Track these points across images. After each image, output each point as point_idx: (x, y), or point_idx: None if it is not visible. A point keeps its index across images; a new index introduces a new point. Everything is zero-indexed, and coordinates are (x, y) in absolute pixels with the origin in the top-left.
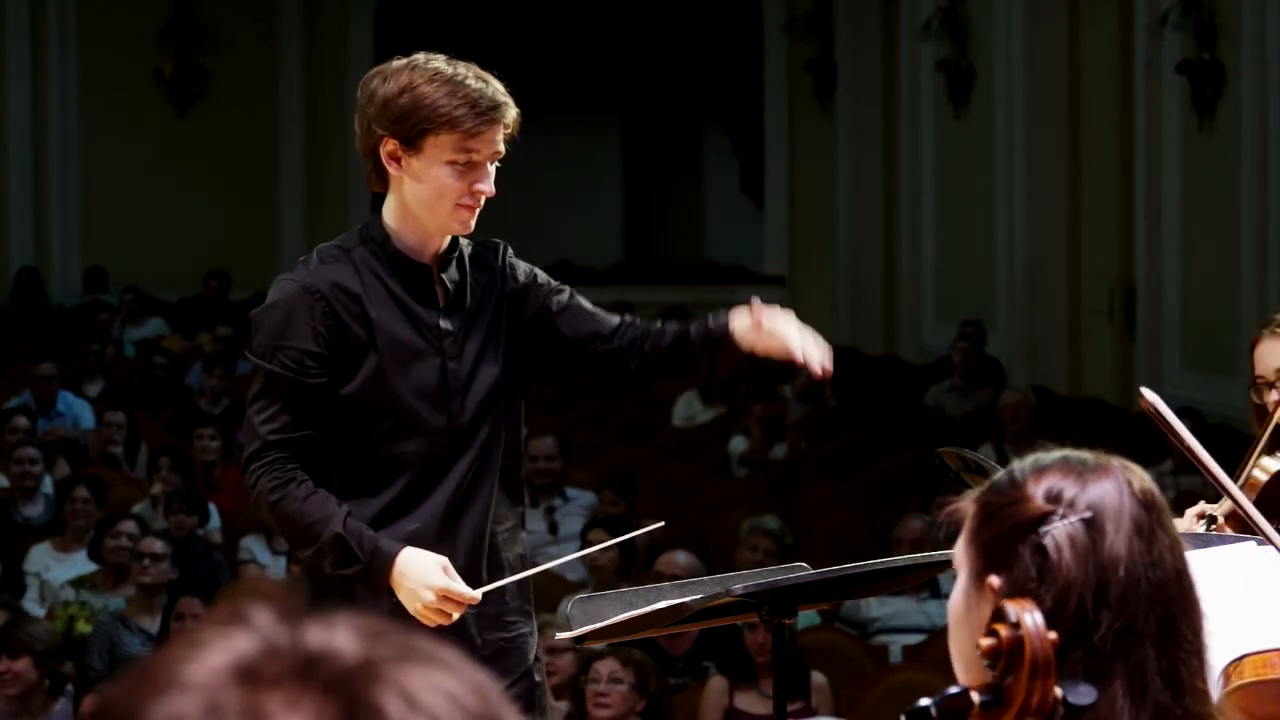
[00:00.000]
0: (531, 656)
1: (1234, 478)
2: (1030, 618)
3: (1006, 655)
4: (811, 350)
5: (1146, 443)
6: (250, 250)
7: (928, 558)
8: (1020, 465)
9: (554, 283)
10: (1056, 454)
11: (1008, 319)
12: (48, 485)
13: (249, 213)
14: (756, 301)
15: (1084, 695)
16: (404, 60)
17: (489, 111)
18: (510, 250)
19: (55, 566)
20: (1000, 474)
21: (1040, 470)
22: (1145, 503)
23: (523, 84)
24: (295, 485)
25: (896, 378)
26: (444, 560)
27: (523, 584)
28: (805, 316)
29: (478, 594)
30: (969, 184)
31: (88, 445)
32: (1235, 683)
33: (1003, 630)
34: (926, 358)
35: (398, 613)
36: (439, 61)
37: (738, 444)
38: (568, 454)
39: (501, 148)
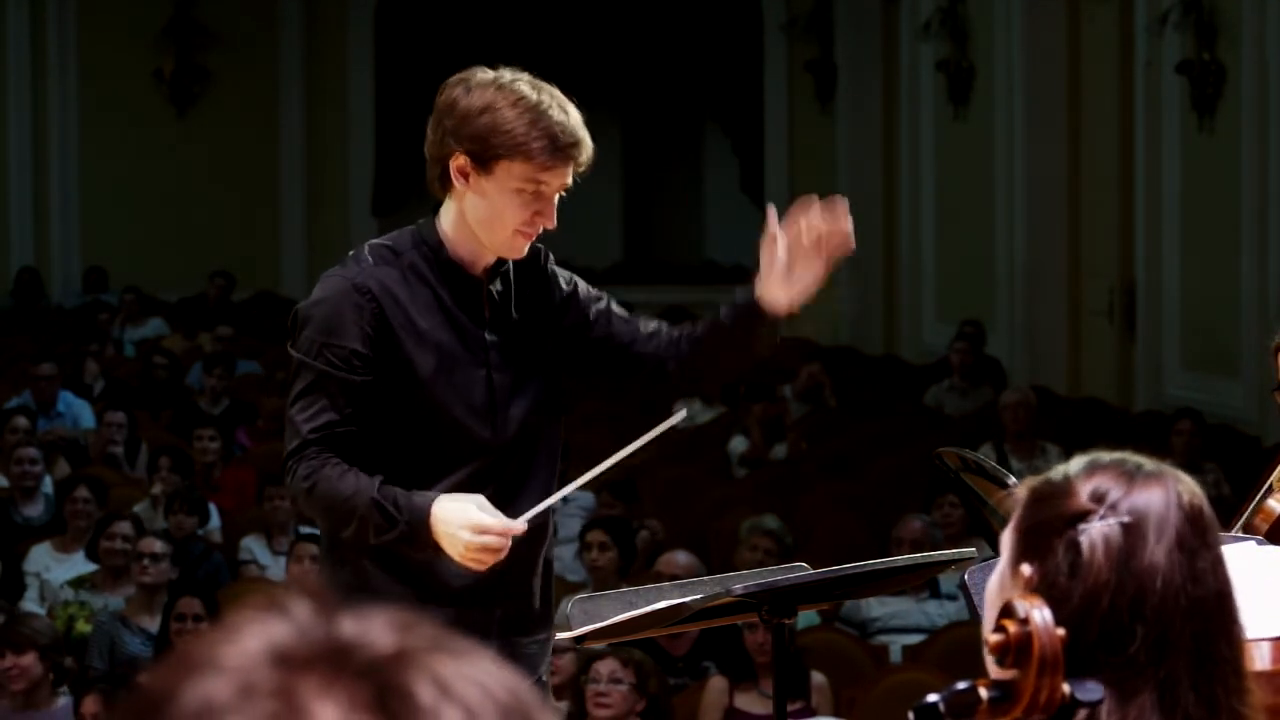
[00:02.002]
0: (545, 663)
1: (1254, 491)
2: (1039, 614)
3: (1015, 651)
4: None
5: (1146, 443)
6: (250, 250)
7: (928, 558)
8: (1077, 461)
9: (593, 290)
10: (1114, 455)
11: (1008, 319)
12: (48, 485)
13: (249, 213)
14: (771, 213)
15: (1092, 692)
16: (490, 75)
17: (567, 149)
18: (551, 257)
19: (55, 566)
20: (1058, 467)
21: (1093, 469)
22: (1193, 516)
23: None
24: (329, 467)
25: (896, 378)
26: (478, 498)
27: (547, 593)
28: (805, 317)
29: (520, 524)
30: (969, 184)
31: (88, 445)
32: None
33: (1011, 626)
34: (926, 358)
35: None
36: (524, 84)
37: (738, 444)
38: (566, 454)
39: (570, 182)
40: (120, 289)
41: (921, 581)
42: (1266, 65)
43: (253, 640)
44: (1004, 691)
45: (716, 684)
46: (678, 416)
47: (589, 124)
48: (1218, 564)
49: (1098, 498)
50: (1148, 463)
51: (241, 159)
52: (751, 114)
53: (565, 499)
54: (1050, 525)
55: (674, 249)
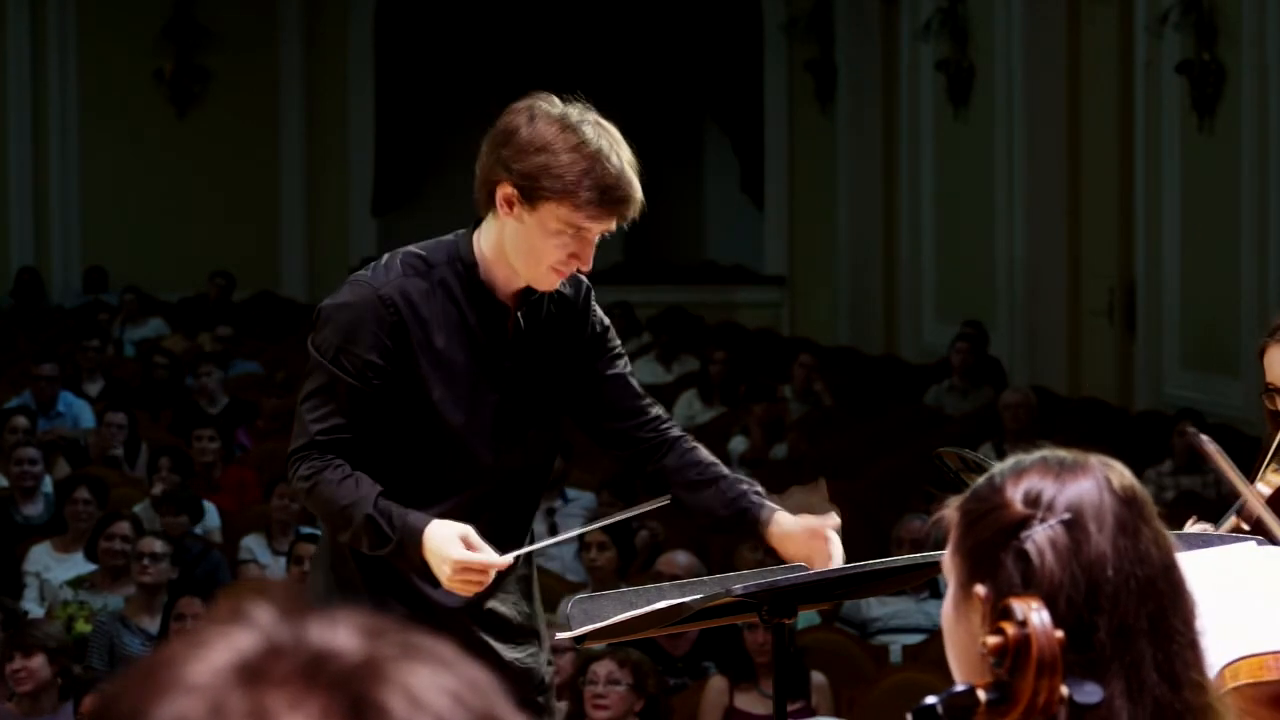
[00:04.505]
0: (543, 665)
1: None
2: (1037, 616)
3: (1013, 654)
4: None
5: (1146, 442)
6: (250, 250)
7: (928, 558)
8: (1000, 469)
9: (617, 345)
10: (1035, 455)
11: (1008, 319)
12: (48, 485)
13: (249, 213)
14: (821, 525)
15: (1090, 694)
16: (556, 109)
17: (616, 204)
18: (593, 293)
19: (55, 566)
20: (981, 479)
21: (1019, 472)
22: (1126, 499)
23: (522, 84)
24: (330, 470)
25: (896, 378)
26: (465, 530)
27: (531, 599)
28: (805, 316)
29: (505, 559)
30: (969, 184)
31: (88, 445)
32: (1230, 685)
33: (1009, 628)
34: (926, 358)
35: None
36: (588, 127)
37: (738, 444)
38: (567, 454)
39: (614, 228)
40: (120, 289)
41: (921, 581)
42: (1266, 65)
43: (220, 655)
44: (1002, 694)
45: (716, 684)
46: (664, 500)
47: None
48: (1159, 539)
49: (1032, 501)
50: (1070, 455)
51: (241, 159)
52: (751, 114)
53: (564, 498)
54: (993, 541)
55: (674, 249)
